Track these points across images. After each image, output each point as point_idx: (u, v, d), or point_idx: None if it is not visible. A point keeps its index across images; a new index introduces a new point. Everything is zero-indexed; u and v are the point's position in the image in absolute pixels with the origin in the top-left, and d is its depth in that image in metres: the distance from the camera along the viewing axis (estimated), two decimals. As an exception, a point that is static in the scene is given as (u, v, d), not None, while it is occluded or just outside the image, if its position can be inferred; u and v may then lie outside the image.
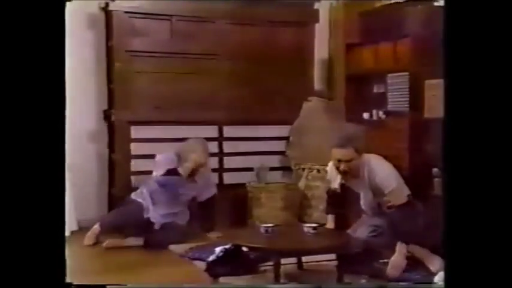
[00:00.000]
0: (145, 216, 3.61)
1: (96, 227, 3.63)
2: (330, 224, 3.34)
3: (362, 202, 3.19)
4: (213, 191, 3.86)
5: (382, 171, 3.03)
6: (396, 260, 2.92)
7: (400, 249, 2.92)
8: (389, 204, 3.01)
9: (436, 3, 3.69)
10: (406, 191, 3.03)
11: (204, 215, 3.79)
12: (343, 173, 3.08)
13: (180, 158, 3.71)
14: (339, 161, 3.02)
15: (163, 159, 3.72)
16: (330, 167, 3.27)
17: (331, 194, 3.35)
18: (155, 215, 3.65)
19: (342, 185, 3.24)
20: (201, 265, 3.08)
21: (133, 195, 3.74)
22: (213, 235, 3.74)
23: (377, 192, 3.06)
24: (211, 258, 3.00)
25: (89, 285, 2.30)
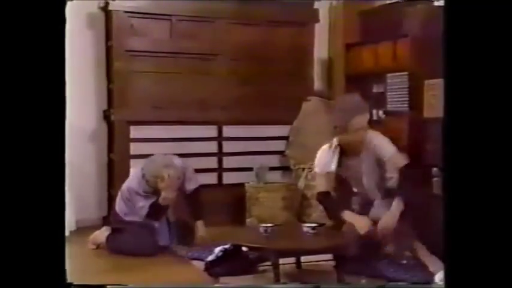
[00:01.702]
0: (159, 242, 3.41)
1: (99, 235, 3.53)
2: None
3: (365, 183, 3.11)
4: (196, 182, 3.63)
5: (380, 140, 3.08)
6: (390, 214, 2.92)
7: (397, 204, 2.91)
8: (390, 176, 3.04)
9: (435, 3, 3.70)
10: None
11: (191, 205, 3.63)
12: (349, 147, 3.05)
13: (148, 182, 3.38)
14: (335, 127, 3.04)
15: (141, 199, 3.39)
16: (324, 150, 3.14)
17: (322, 197, 3.19)
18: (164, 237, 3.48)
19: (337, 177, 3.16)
20: (200, 265, 3.08)
21: (125, 215, 3.45)
22: (200, 229, 3.59)
23: (379, 163, 3.06)
24: (210, 258, 3.00)
25: (89, 285, 2.29)
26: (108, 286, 2.36)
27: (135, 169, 3.60)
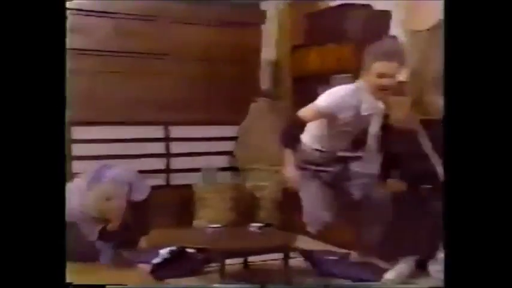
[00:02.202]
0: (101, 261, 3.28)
1: None
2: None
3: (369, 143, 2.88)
4: (146, 191, 3.51)
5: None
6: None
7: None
8: None
9: (375, 8, 3.81)
10: None
11: (137, 216, 3.47)
12: (384, 91, 2.74)
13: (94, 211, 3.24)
14: (382, 76, 2.70)
15: (89, 223, 3.23)
16: (342, 88, 2.84)
17: (293, 123, 2.87)
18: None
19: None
20: (146, 268, 3.04)
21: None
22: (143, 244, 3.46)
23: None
24: (156, 260, 2.97)
25: (88, 285, 2.27)
26: (107, 286, 2.36)
27: (81, 182, 3.35)
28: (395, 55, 2.75)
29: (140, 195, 3.45)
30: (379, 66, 2.72)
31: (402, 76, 2.82)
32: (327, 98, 2.84)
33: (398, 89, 3.26)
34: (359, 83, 2.85)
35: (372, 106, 2.82)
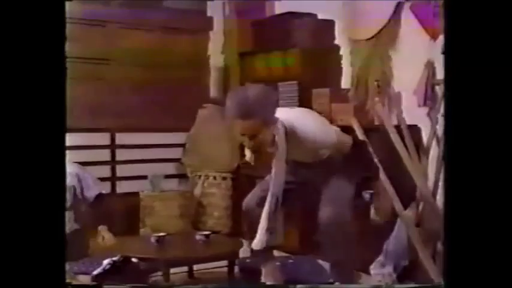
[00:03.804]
0: None
1: None
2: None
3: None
4: (97, 189, 3.44)
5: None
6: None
7: None
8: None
9: (320, 17, 3.89)
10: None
11: (94, 215, 3.43)
12: (253, 151, 2.39)
13: None
14: (243, 135, 2.28)
15: None
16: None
17: None
18: None
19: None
20: (87, 279, 2.95)
21: None
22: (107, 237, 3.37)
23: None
24: (96, 271, 2.88)
25: (87, 285, 2.25)
26: (104, 286, 2.31)
27: None
28: (251, 112, 2.20)
29: (92, 192, 3.40)
30: (236, 125, 2.25)
31: (267, 134, 2.26)
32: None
33: (342, 96, 3.35)
34: None
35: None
